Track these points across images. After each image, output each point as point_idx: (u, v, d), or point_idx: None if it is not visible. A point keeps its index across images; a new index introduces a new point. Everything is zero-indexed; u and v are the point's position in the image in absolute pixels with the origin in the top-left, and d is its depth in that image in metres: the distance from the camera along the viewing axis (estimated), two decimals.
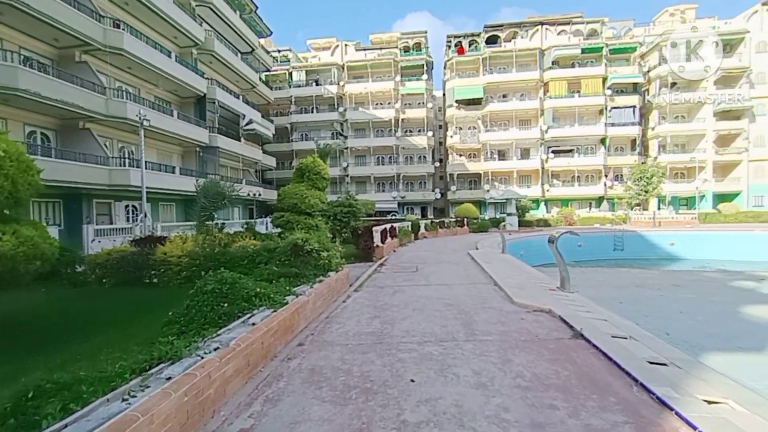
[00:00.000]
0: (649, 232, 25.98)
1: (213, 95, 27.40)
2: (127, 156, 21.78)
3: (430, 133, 45.97)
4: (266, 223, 26.26)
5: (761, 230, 24.83)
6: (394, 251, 15.89)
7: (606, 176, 42.16)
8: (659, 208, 38.19)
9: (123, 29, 19.31)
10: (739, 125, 38.94)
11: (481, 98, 43.67)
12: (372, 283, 8.53)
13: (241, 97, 32.14)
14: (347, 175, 45.95)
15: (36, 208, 17.44)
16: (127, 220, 21.97)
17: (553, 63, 42.44)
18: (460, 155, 46.11)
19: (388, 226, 15.72)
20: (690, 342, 7.56)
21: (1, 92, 14.29)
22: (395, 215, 43.41)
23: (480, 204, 42.18)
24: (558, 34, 43.65)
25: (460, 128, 45.88)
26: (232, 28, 30.73)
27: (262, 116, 38.12)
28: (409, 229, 20.73)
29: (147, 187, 21.31)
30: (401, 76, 46.09)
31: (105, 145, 20.71)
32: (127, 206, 21.70)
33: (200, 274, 8.88)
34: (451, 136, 45.44)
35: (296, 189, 17.92)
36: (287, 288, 5.55)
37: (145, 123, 16.46)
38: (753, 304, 11.76)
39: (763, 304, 12.08)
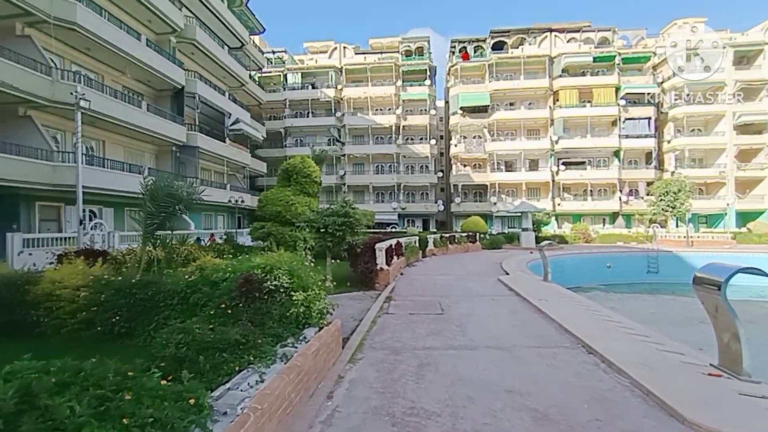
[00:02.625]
0: (686, 253, 23.02)
1: (193, 89, 24.36)
2: (86, 152, 18.50)
3: (432, 142, 43.19)
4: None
5: None
6: (401, 274, 12.68)
7: (621, 190, 39.44)
8: (677, 226, 35.44)
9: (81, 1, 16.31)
10: (762, 139, 36.58)
11: (488, 106, 41.12)
12: (378, 341, 5.27)
13: (227, 94, 29.16)
14: (344, 184, 42.86)
15: None
16: (83, 226, 18.57)
17: (563, 71, 40.13)
18: (465, 165, 43.30)
19: (393, 242, 12.56)
20: None
21: None
22: (395, 227, 40.25)
23: (486, 217, 39.13)
24: (567, 41, 41.50)
25: (465, 137, 43.19)
26: (219, 19, 27.90)
27: (253, 118, 35.15)
28: (417, 245, 17.56)
29: (109, 190, 18.09)
30: (402, 81, 43.55)
31: (55, 138, 17.49)
32: (84, 211, 18.31)
33: (107, 317, 5.70)
34: (455, 145, 42.67)
35: (281, 194, 14.79)
36: (200, 399, 2.33)
37: (83, 104, 13.23)
38: None
39: None
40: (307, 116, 44.35)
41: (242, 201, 26.23)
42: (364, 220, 10.25)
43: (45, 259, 12.14)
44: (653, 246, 23.16)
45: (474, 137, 43.28)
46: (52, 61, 16.87)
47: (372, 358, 4.49)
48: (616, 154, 39.80)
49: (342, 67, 44.40)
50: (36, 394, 1.84)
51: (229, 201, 23.29)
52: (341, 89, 43.97)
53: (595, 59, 39.65)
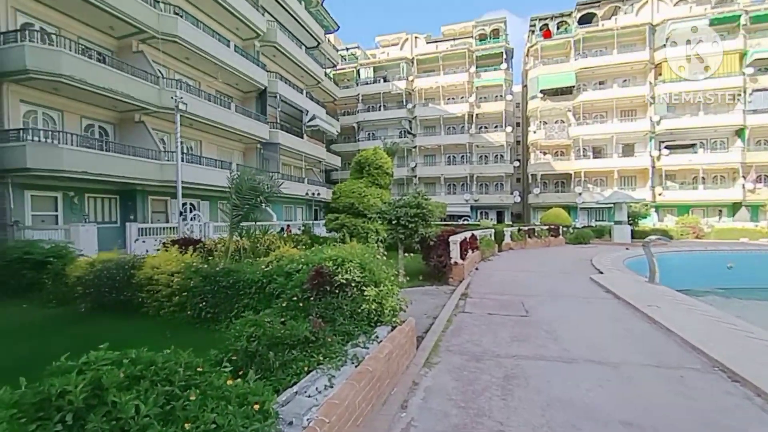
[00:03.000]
0: None
1: (275, 89, 25.89)
2: (186, 152, 20.80)
3: (508, 129, 40.57)
4: None
5: None
6: (476, 269, 11.94)
7: (744, 177, 32.91)
8: None
9: (181, 16, 18.17)
10: None
11: (572, 87, 37.26)
12: (456, 344, 4.80)
13: (305, 92, 30.53)
14: (415, 176, 42.52)
15: (92, 204, 16.78)
16: (184, 218, 20.96)
17: (668, 40, 34.49)
18: (545, 153, 39.96)
19: (467, 234, 11.86)
20: None
21: (45, 79, 13.40)
22: (467, 220, 38.88)
23: (569, 209, 35.69)
24: (675, 4, 35.52)
25: (545, 122, 39.79)
26: (297, 21, 29.21)
27: (328, 114, 36.43)
28: (492, 238, 16.52)
29: (205, 185, 20.06)
30: (476, 68, 41.49)
31: (162, 140, 19.86)
32: (184, 204, 20.64)
33: (195, 302, 6.11)
34: (534, 132, 39.54)
35: (353, 186, 14.91)
36: (266, 405, 2.15)
37: (180, 107, 14.69)
38: None
39: None
40: (379, 110, 44.72)
41: (318, 194, 27.38)
42: (437, 212, 9.75)
43: (153, 246, 13.86)
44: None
45: (556, 122, 39.66)
46: (160, 72, 19.10)
47: (449, 364, 4.06)
48: (740, 133, 33.28)
49: (413, 58, 43.80)
50: (106, 388, 1.77)
51: (306, 194, 24.45)
52: (412, 80, 43.43)
53: (712, 21, 33.36)
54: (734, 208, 33.64)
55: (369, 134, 45.72)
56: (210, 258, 7.30)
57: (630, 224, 24.64)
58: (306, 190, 25.50)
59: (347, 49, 50.27)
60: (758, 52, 32.11)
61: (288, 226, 21.92)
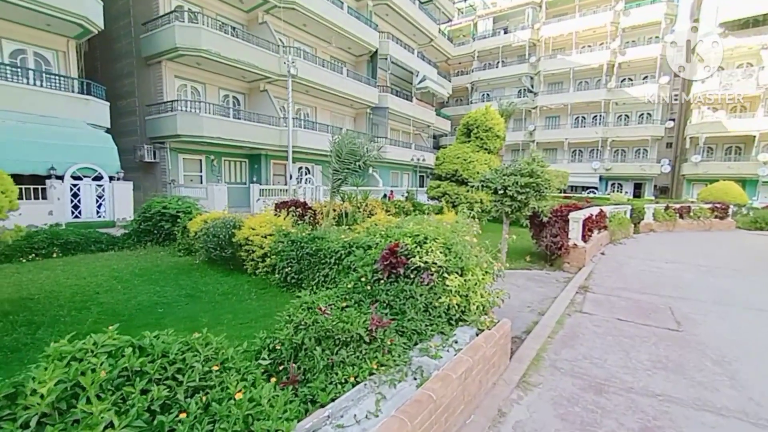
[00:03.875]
0: None
1: (386, 51, 25.26)
2: (302, 118, 22.13)
3: (664, 80, 32.49)
4: None
5: None
6: (602, 254, 9.85)
7: None
8: None
9: None
10: None
11: None
12: (566, 358, 3.63)
13: (416, 52, 29.14)
14: (533, 141, 38.03)
15: (227, 166, 19.28)
16: (299, 181, 22.69)
17: None
18: (715, 110, 31.04)
19: (593, 210, 9.72)
20: None
21: (190, 54, 15.27)
22: (594, 192, 33.55)
23: (743, 183, 27.51)
24: None
25: (722, 68, 30.47)
26: None
27: (440, 74, 34.51)
28: (627, 216, 13.54)
29: (316, 149, 21.22)
30: (625, 4, 33.61)
31: (283, 108, 21.39)
32: (300, 168, 22.32)
33: (282, 266, 6.15)
34: (703, 81, 30.75)
35: (459, 151, 13.70)
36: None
37: (292, 71, 15.16)
38: None
39: None
40: (497, 66, 40.54)
41: (423, 159, 26.60)
42: (555, 182, 8.06)
43: (271, 206, 15.27)
44: None
45: (738, 66, 30.06)
46: (281, 41, 20.23)
47: (555, 389, 3.05)
48: None
49: (542, 1, 37.71)
50: (84, 388, 1.45)
51: (412, 159, 23.91)
52: (538, 29, 37.76)
53: None
54: None
55: (483, 95, 42.19)
56: (300, 222, 7.33)
57: None
58: (411, 155, 24.92)
59: (465, 0, 46.12)
60: None
61: (391, 191, 21.92)
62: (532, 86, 38.70)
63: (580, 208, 9.51)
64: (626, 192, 34.15)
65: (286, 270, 5.66)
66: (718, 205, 17.02)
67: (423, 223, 4.45)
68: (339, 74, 21.99)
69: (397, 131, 30.28)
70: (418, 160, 26.11)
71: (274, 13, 19.15)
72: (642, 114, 34.67)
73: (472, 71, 41.85)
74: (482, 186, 8.49)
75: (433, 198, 13.82)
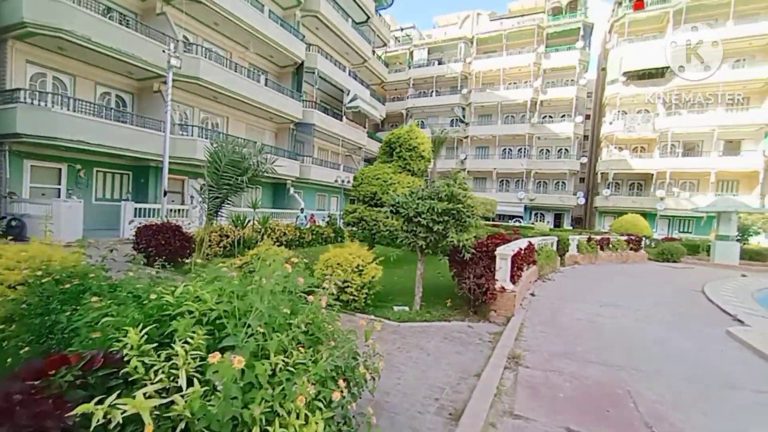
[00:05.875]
0: None
1: (313, 64, 23.55)
2: (209, 128, 19.19)
3: (578, 119, 35.10)
4: None
5: None
6: (532, 294, 8.52)
7: None
8: None
9: None
10: None
11: (665, 68, 30.86)
12: None
13: (348, 70, 27.92)
14: (464, 169, 38.52)
15: (101, 179, 15.58)
16: (193, 201, 19.37)
17: None
18: (621, 149, 34.04)
19: (521, 244, 8.44)
20: None
21: (45, 34, 11.95)
22: (520, 221, 34.39)
23: (645, 216, 29.83)
24: None
25: (625, 112, 33.77)
26: None
27: (375, 98, 33.72)
28: (554, 248, 12.77)
29: None
30: (546, 47, 36.26)
31: (185, 113, 18.34)
32: (203, 186, 19.06)
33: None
34: (611, 123, 33.72)
35: (379, 171, 11.95)
36: None
37: (175, 63, 12.56)
38: None
39: None
40: (431, 95, 41.13)
41: (348, 181, 24.81)
42: (480, 210, 6.54)
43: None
44: None
45: (638, 112, 33.51)
46: (185, 38, 17.45)
47: None
48: None
49: (473, 38, 39.49)
50: None
51: (336, 180, 21.98)
52: (470, 63, 39.24)
53: None
54: None
55: (419, 122, 42.24)
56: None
57: (738, 240, 19.14)
58: (336, 176, 23.02)
59: (402, 29, 47.01)
60: None
61: (312, 215, 19.59)
62: (464, 116, 39.72)
63: (508, 240, 8.15)
64: (548, 221, 35.63)
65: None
66: (632, 237, 17.38)
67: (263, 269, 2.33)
68: (256, 83, 19.62)
69: (326, 151, 28.37)
70: (342, 181, 24.24)
71: (176, 4, 16.47)
72: (561, 149, 36.96)
73: (408, 98, 42.05)
74: (393, 211, 6.68)
75: (348, 224, 11.84)
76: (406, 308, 6.69)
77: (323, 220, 18.88)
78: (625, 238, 17.21)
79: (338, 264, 6.52)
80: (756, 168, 28.63)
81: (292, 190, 22.25)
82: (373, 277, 6.61)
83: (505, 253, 6.51)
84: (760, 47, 28.68)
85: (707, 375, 4.47)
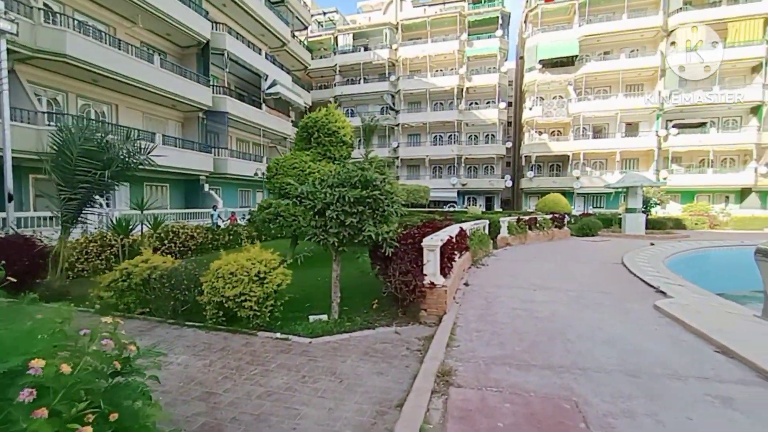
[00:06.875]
0: None
1: (221, 44, 20.98)
2: (91, 117, 16.04)
3: (502, 105, 36.45)
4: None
5: None
6: (466, 284, 7.91)
7: (757, 160, 29.67)
8: None
9: None
10: None
11: (575, 57, 33.13)
12: None
13: (264, 53, 25.56)
14: (397, 157, 38.25)
15: None
16: (103, 205, 16.30)
17: (685, 3, 30.47)
18: (541, 133, 36.09)
19: (453, 230, 7.78)
20: None
21: None
22: (454, 206, 35.01)
23: (565, 195, 32.05)
24: None
25: (542, 98, 35.77)
26: None
27: (300, 85, 31.64)
28: (486, 232, 12.52)
29: None
30: (468, 35, 36.88)
31: (56, 99, 15.07)
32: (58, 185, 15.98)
33: None
34: (530, 109, 35.50)
35: (296, 160, 10.60)
36: None
37: (4, 26, 9.87)
38: None
39: None
40: (359, 82, 39.90)
41: (263, 174, 22.82)
42: (402, 197, 5.63)
43: None
44: None
45: (554, 98, 35.69)
46: (46, 5, 14.18)
47: None
48: (756, 111, 29.84)
49: (398, 24, 38.88)
50: None
51: (256, 174, 19.96)
52: (396, 49, 38.65)
53: None
54: (743, 194, 30.57)
55: (347, 110, 40.85)
56: None
57: (644, 212, 21.04)
58: (255, 169, 20.94)
59: (324, 13, 44.90)
60: None
61: (233, 214, 17.44)
62: (394, 104, 39.22)
63: (439, 228, 7.41)
64: (480, 205, 36.80)
65: None
66: (556, 215, 18.10)
67: None
68: (148, 63, 16.77)
69: (246, 142, 25.89)
70: (263, 174, 22.16)
71: None
72: (488, 134, 38.19)
73: (335, 85, 40.43)
74: (298, 203, 5.48)
75: (264, 222, 10.34)
76: (325, 317, 5.59)
77: (244, 218, 16.93)
78: (550, 216, 17.85)
79: (231, 274, 5.18)
80: (651, 147, 32.08)
81: (206, 187, 19.75)
82: (279, 285, 5.39)
83: (432, 244, 5.68)
84: (650, 38, 31.91)
85: (649, 365, 4.01)
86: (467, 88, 36.96)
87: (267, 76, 24.85)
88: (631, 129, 33.61)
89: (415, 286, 5.48)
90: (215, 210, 16.81)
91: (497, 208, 36.73)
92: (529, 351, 4.36)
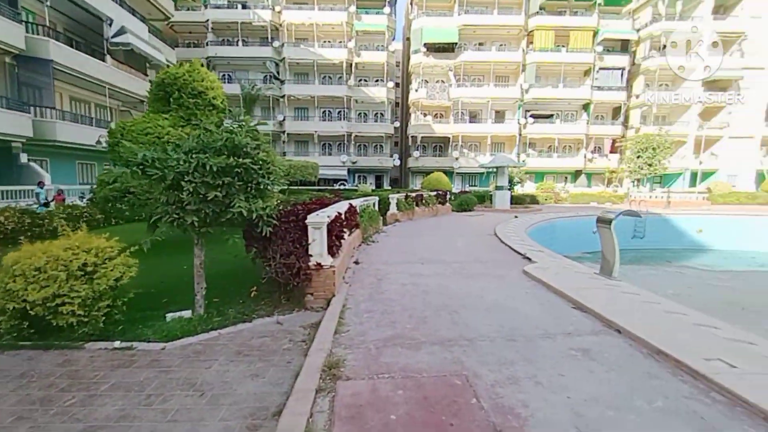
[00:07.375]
0: (671, 216, 20.45)
1: None
2: None
3: (390, 84, 37.05)
4: None
5: None
6: (356, 263, 7.61)
7: (586, 147, 36.91)
8: (635, 186, 34.00)
9: None
10: (724, 98, 35.00)
11: (455, 44, 35.37)
12: None
13: None
14: (284, 131, 35.87)
15: None
16: None
17: (540, 8, 35.09)
18: (425, 114, 38.07)
19: (341, 207, 7.32)
20: None
21: None
22: (344, 184, 34.77)
23: (446, 174, 34.87)
24: None
25: (427, 81, 37.58)
26: None
27: (158, 37, 26.43)
28: (376, 208, 12.47)
29: None
30: (357, 8, 35.94)
31: None
32: None
33: None
34: (416, 90, 36.96)
35: (150, 124, 8.63)
36: None
37: None
38: None
39: None
40: (236, 44, 35.59)
41: (105, 141, 18.87)
42: (281, 169, 4.86)
43: None
44: (644, 208, 20.23)
45: (437, 81, 37.83)
46: None
47: None
48: (586, 107, 36.74)
49: None
50: None
51: (98, 142, 16.05)
52: (280, 12, 35.47)
53: None
54: (576, 175, 37.81)
55: (224, 75, 36.39)
56: None
57: (509, 190, 24.14)
58: (98, 137, 16.82)
59: None
60: (607, 32, 35.04)
61: (60, 192, 13.65)
62: (278, 73, 36.29)
63: (327, 205, 6.85)
64: (370, 183, 37.40)
65: None
66: (440, 192, 19.31)
67: None
68: None
69: (85, 103, 20.67)
70: (107, 143, 18.16)
71: None
72: (377, 113, 38.57)
73: (208, 44, 35.30)
74: (140, 172, 4.25)
75: (108, 200, 8.22)
76: (188, 313, 4.58)
77: (83, 198, 13.50)
78: (435, 193, 18.95)
79: (37, 270, 3.75)
80: (514, 132, 36.81)
81: (24, 157, 15.06)
82: (118, 280, 4.15)
83: (318, 221, 5.09)
84: (515, 35, 36.00)
85: (524, 327, 4.27)
86: (356, 64, 36.35)
87: (112, 21, 19.95)
88: (499, 116, 37.92)
89: (300, 268, 4.86)
90: (42, 188, 12.95)
91: (387, 186, 37.86)
92: (419, 328, 4.22)
